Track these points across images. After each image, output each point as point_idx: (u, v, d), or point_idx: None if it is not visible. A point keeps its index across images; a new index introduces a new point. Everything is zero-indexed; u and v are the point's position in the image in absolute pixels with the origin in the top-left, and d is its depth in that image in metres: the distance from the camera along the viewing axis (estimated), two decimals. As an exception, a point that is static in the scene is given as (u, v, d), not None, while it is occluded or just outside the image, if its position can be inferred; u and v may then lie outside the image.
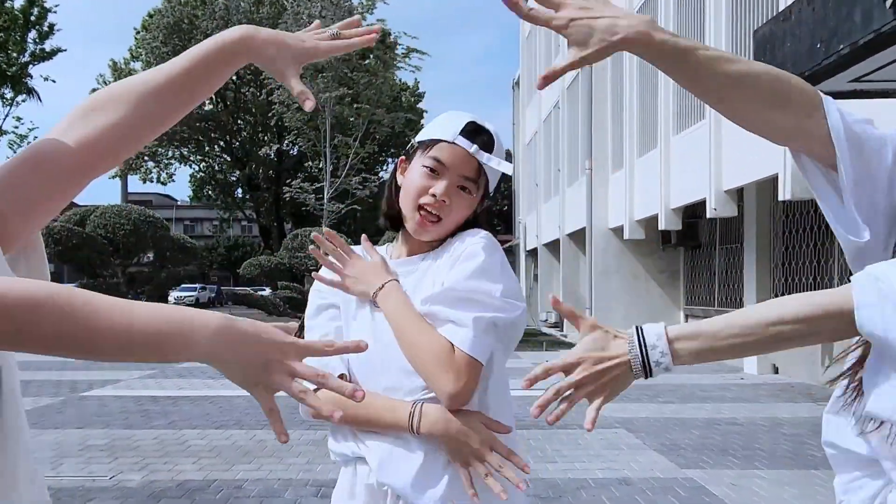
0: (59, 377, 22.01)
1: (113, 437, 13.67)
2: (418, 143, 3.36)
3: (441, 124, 3.34)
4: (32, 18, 33.73)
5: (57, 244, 34.13)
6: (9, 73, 32.90)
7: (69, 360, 23.98)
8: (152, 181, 64.37)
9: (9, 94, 33.96)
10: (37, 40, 34.65)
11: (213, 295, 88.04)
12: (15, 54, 33.43)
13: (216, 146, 63.70)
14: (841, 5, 9.06)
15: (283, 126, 51.98)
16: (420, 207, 3.22)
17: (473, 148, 3.18)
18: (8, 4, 33.08)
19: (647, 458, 12.11)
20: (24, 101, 34.86)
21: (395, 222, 3.47)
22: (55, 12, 35.10)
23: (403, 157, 3.45)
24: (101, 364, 24.65)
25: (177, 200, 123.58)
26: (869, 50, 8.87)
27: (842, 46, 8.89)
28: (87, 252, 35.39)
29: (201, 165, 65.61)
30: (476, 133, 3.28)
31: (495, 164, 3.25)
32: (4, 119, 33.71)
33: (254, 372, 2.11)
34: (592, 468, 11.51)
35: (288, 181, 40.98)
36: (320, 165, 41.52)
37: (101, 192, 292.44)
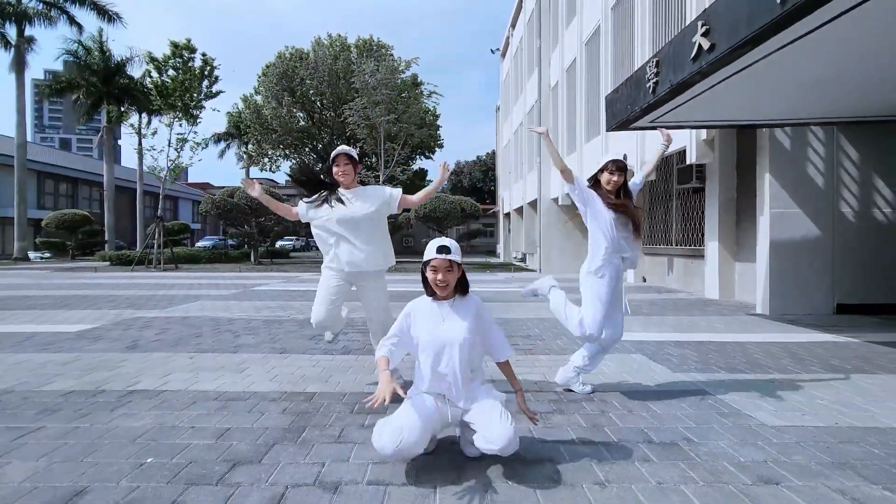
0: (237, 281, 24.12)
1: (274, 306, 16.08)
2: (424, 262, 4.78)
3: (429, 250, 4.70)
4: (206, 72, 35.96)
5: (218, 209, 36.98)
6: (192, 108, 35.34)
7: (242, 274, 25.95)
8: (265, 171, 65.36)
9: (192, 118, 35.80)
10: (207, 85, 36.20)
11: (303, 244, 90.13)
12: (196, 95, 35.62)
13: (306, 149, 63.63)
14: (634, 89, 11.25)
15: (351, 136, 53.32)
16: (435, 285, 4.73)
17: (442, 255, 4.66)
18: (190, 64, 35.69)
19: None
20: (200, 122, 36.49)
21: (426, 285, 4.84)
22: (219, 68, 36.61)
23: (422, 267, 4.81)
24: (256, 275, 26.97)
25: (278, 183, 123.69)
26: (646, 111, 11.03)
27: (636, 108, 11.14)
28: (235, 213, 37.48)
29: (297, 161, 66.54)
30: (442, 249, 4.68)
31: (454, 255, 4.68)
32: (188, 133, 35.74)
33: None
34: (528, 315, 13.58)
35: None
36: (374, 160, 43.58)
37: (233, 176, 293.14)
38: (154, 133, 35.74)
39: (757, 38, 7.52)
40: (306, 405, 6.27)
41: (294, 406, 6.24)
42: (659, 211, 22.49)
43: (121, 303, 16.03)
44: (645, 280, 23.48)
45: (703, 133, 16.67)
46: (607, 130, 13.12)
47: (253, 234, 39.99)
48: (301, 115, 61.83)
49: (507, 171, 50.23)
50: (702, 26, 8.59)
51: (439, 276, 4.65)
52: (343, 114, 47.71)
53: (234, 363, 8.28)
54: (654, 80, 10.27)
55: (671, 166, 21.03)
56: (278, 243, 66.32)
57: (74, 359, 8.52)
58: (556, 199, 32.01)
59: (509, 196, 48.49)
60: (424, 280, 4.76)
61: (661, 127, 12.39)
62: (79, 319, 12.66)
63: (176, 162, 35.46)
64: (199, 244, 76.28)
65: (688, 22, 15.87)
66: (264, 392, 6.77)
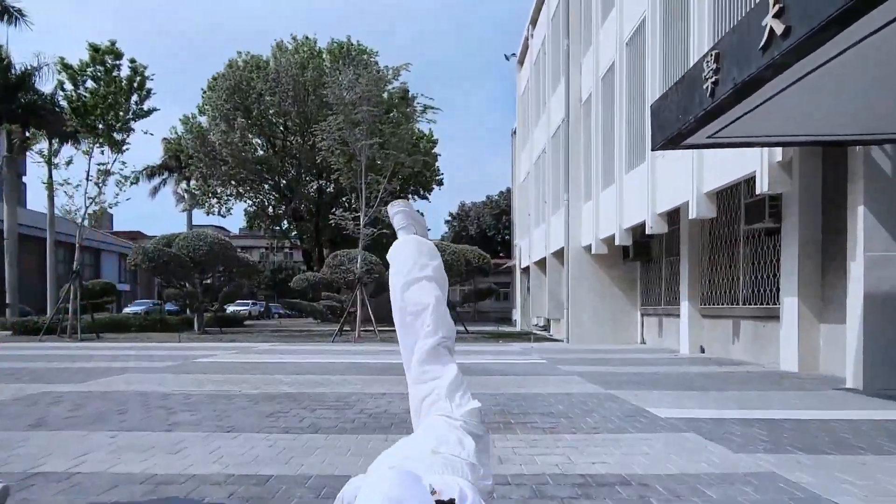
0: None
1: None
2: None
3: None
4: (135, 85, 35.85)
5: (151, 261, 37.17)
6: (116, 130, 35.36)
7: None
8: (213, 214, 65.46)
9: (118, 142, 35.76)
10: (137, 101, 36.32)
11: (261, 309, 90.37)
12: (122, 113, 35.52)
13: (265, 185, 64.20)
14: (687, 93, 11.42)
15: (324, 167, 53.45)
16: None
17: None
18: (115, 73, 35.50)
19: (585, 386, 14.51)
20: (127, 149, 36.31)
21: None
22: (152, 79, 36.51)
23: None
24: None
25: (230, 231, 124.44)
26: (703, 121, 11.21)
27: (690, 118, 11.26)
28: (173, 267, 37.72)
29: (254, 201, 66.57)
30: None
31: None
32: (112, 163, 35.81)
33: None
34: (549, 390, 13.91)
35: (332, 210, 42.55)
36: (354, 198, 43.54)
37: (170, 222, 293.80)
38: (68, 163, 35.85)
39: (847, 15, 7.52)
40: (259, 489, 6.36)
41: (243, 490, 6.33)
42: (721, 260, 22.76)
43: (24, 376, 16.23)
44: (703, 350, 23.69)
45: (778, 153, 16.65)
46: (653, 149, 13.34)
47: (196, 295, 40.23)
48: (258, 141, 62.31)
49: (527, 214, 50.70)
50: (774, 4, 8.67)
51: None
52: (312, 138, 47.94)
53: (167, 442, 8.39)
54: (713, 79, 10.43)
55: (737, 201, 21.24)
56: (229, 308, 65.79)
57: None
58: (588, 248, 32.30)
59: (528, 245, 48.88)
60: None
61: (722, 144, 12.58)
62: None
63: (96, 201, 35.53)
64: (129, 309, 76.19)
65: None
66: (205, 475, 6.87)
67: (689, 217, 20.77)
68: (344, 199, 55.98)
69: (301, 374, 16.65)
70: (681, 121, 11.84)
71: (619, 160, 28.02)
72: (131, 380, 15.32)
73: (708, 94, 10.69)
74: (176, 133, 65.28)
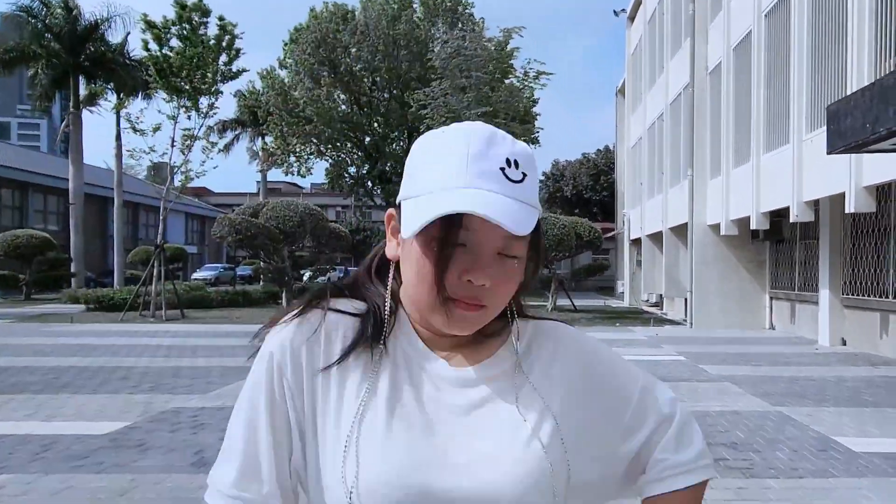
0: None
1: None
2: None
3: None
4: (223, 44, 36.01)
5: (237, 234, 37.14)
6: (204, 94, 35.36)
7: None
8: (293, 174, 65.69)
9: (204, 106, 35.82)
10: (226, 62, 36.58)
11: (341, 275, 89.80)
12: (210, 75, 35.35)
13: (348, 144, 63.94)
14: (883, 101, 11.50)
15: (414, 126, 52.80)
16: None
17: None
18: (202, 32, 35.55)
19: (747, 399, 14.39)
20: (215, 113, 36.98)
21: None
22: (241, 38, 36.42)
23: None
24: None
25: (303, 188, 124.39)
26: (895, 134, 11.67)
27: (881, 129, 11.43)
28: (262, 240, 37.97)
29: (336, 160, 66.21)
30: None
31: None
32: (200, 128, 35.73)
33: None
34: (711, 405, 13.73)
35: None
36: None
37: (238, 178, 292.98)
38: (156, 129, 35.52)
39: None
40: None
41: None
42: (866, 249, 22.83)
43: (140, 380, 16.48)
44: (845, 343, 23.64)
45: None
46: (829, 153, 13.50)
47: (286, 270, 40.45)
48: (343, 97, 62.26)
49: (638, 182, 50.23)
50: None
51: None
52: (409, 99, 47.37)
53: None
54: (914, 95, 10.51)
55: (889, 192, 21.15)
56: (305, 276, 64.75)
57: (131, 485, 8.61)
58: (715, 227, 32.12)
59: (640, 216, 48.44)
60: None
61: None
62: (97, 411, 13.03)
63: (185, 169, 36.08)
64: (198, 275, 76.79)
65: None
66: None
67: (847, 211, 20.55)
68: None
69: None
70: (869, 130, 11.85)
71: (756, 138, 27.70)
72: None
73: (907, 108, 10.74)
74: (252, 87, 65.13)
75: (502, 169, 1.62)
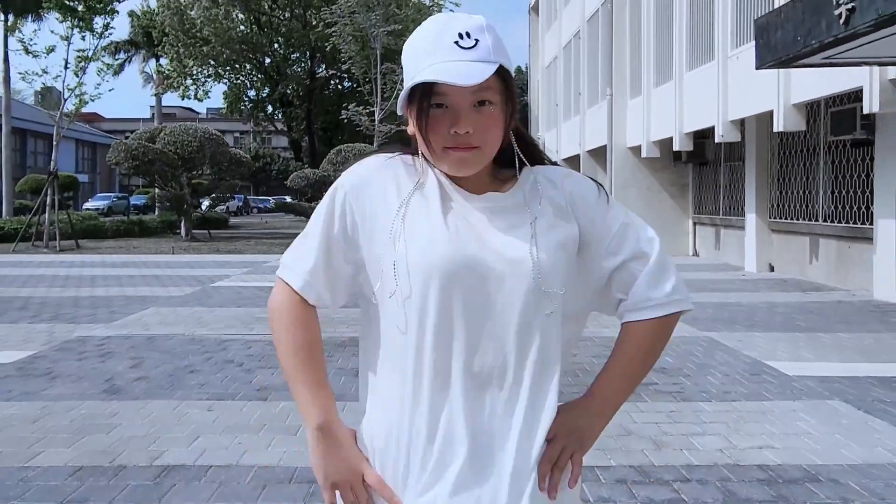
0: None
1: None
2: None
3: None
4: None
5: (134, 159, 36.96)
6: (97, 10, 34.92)
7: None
8: (189, 98, 65.01)
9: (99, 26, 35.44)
10: None
11: (240, 204, 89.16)
12: None
13: (247, 66, 64.00)
14: (815, 13, 11.41)
15: (317, 47, 52.89)
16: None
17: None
18: None
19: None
20: (110, 34, 37.02)
21: None
22: None
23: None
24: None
25: (199, 114, 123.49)
26: (827, 47, 11.41)
27: (814, 42, 11.47)
28: (159, 166, 37.69)
29: (234, 83, 65.70)
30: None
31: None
32: (94, 49, 35.23)
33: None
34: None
35: (344, 105, 42.78)
36: (368, 91, 42.76)
37: (131, 102, 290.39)
38: (50, 50, 35.36)
39: None
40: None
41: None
42: (794, 171, 23.13)
43: (39, 310, 16.62)
44: (772, 269, 24.03)
45: (891, 70, 16.08)
46: (758, 67, 13.45)
47: (184, 198, 40.01)
48: (241, 16, 61.31)
49: (554, 104, 50.41)
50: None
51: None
52: (312, 17, 47.13)
53: (273, 416, 8.52)
54: (849, 6, 10.42)
55: (818, 110, 21.28)
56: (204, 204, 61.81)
57: (43, 412, 8.75)
58: (635, 149, 32.24)
59: (556, 139, 48.49)
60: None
61: (837, 64, 12.72)
62: (1, 340, 13.15)
63: (79, 92, 35.44)
64: (90, 204, 75.93)
65: None
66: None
67: (775, 130, 20.70)
68: (356, 90, 54.16)
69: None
70: (800, 43, 11.87)
71: (679, 56, 27.84)
72: (164, 317, 15.64)
73: (841, 22, 10.71)
74: (147, 7, 64.25)
75: (456, 42, 2.21)
